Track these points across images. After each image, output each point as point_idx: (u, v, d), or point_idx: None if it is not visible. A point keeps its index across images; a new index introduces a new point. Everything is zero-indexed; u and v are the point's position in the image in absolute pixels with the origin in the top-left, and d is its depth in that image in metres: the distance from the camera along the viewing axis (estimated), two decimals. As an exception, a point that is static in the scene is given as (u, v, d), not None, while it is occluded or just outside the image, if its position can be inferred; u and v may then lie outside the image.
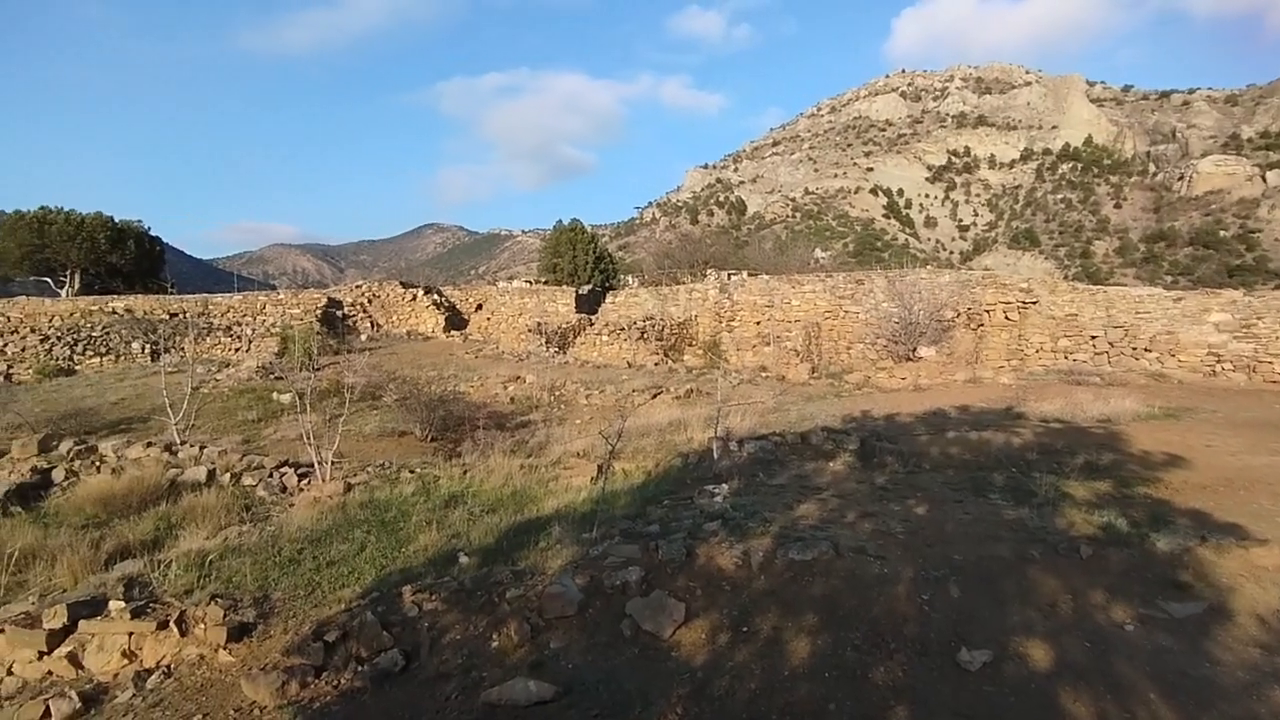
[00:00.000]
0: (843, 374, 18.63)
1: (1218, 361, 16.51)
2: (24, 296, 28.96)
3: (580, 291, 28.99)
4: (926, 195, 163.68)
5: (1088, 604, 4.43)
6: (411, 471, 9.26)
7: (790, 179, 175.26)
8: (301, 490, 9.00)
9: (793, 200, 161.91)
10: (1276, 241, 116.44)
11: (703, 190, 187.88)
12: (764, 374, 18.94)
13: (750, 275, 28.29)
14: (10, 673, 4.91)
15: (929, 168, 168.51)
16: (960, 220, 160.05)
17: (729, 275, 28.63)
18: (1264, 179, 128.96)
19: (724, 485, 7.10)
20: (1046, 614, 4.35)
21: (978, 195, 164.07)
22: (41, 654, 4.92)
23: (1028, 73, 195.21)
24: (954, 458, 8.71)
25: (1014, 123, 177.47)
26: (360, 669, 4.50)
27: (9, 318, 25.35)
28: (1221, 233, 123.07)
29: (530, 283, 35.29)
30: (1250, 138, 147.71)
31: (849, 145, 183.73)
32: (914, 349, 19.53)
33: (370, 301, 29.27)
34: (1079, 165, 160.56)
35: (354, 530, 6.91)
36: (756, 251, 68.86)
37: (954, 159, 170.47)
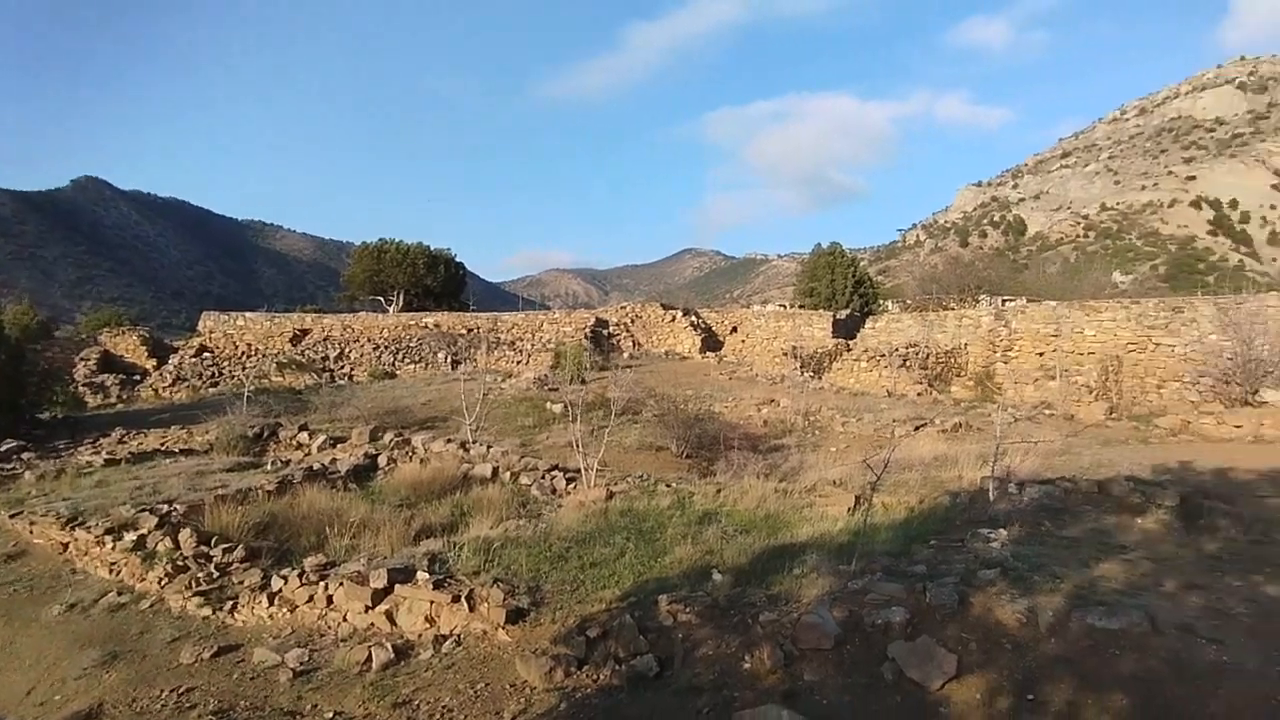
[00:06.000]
0: (1151, 417, 15.81)
1: None
2: (364, 312, 35.34)
3: (837, 316, 28.10)
4: (1272, 206, 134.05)
5: None
6: (668, 485, 9.57)
7: (1083, 194, 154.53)
8: (568, 493, 9.74)
9: (1085, 218, 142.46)
10: None
11: (974, 210, 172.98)
12: (1047, 411, 16.75)
13: (1030, 301, 25.37)
14: (345, 619, 5.91)
15: (1277, 173, 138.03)
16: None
17: (1004, 301, 25.96)
18: None
19: (1001, 530, 6.35)
20: None
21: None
22: (367, 608, 5.85)
23: None
24: (1321, 530, 6.92)
25: None
26: (618, 668, 4.71)
27: (353, 329, 31.07)
28: None
29: (785, 306, 35.10)
30: None
31: (1162, 151, 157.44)
32: (1254, 392, 15.98)
33: (633, 322, 31.11)
34: None
35: (614, 536, 7.30)
36: (1038, 275, 61.76)
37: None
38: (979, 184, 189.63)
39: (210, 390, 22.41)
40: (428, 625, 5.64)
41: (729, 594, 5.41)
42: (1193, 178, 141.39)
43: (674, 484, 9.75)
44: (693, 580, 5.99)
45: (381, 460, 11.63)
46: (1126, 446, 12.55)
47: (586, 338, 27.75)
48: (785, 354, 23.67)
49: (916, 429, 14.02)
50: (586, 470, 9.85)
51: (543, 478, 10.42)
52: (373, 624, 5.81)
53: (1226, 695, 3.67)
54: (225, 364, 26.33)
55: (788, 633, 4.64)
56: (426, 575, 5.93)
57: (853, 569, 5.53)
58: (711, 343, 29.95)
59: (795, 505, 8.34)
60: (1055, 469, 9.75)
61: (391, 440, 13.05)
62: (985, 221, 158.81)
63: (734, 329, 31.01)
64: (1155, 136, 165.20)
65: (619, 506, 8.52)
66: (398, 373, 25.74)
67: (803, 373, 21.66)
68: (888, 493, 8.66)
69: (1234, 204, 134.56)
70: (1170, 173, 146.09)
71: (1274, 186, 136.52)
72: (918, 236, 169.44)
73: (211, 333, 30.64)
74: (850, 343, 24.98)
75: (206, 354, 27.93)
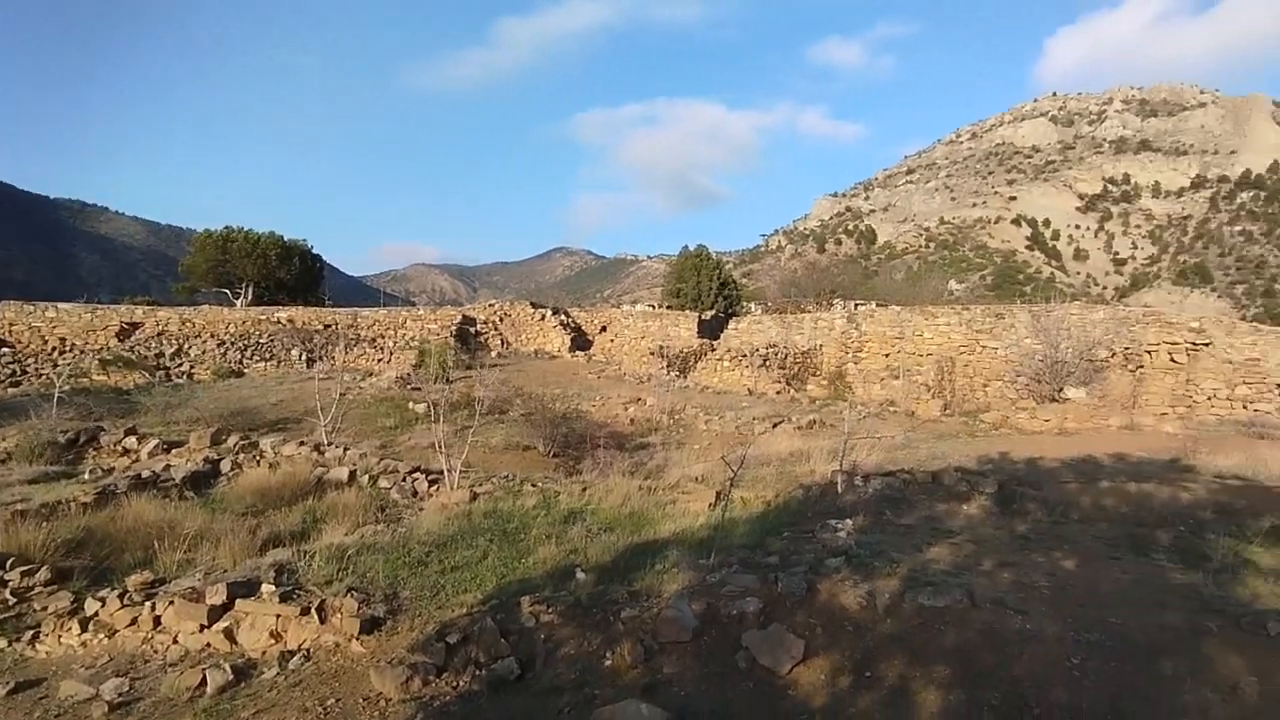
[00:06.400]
0: (978, 413, 17.51)
1: None
2: (206, 305, 32.49)
3: (703, 317, 29.01)
4: (1077, 226, 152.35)
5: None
6: (533, 485, 9.50)
7: (924, 208, 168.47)
8: (431, 495, 9.44)
9: (926, 230, 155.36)
10: None
11: (831, 218, 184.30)
12: (892, 408, 18.12)
13: (879, 306, 27.31)
14: (176, 641, 5.40)
15: (1081, 196, 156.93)
16: (1116, 253, 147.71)
17: (856, 305, 27.77)
18: None
19: (848, 521, 6.80)
20: (1226, 696, 3.82)
21: (1138, 226, 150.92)
22: (203, 627, 5.38)
23: (1202, 92, 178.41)
24: (1108, 510, 7.93)
25: (1184, 147, 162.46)
26: (478, 673, 4.62)
27: (194, 323, 28.50)
28: None
29: (654, 307, 35.75)
30: None
31: (990, 173, 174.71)
32: (1060, 390, 18.06)
33: (501, 320, 30.60)
34: (1262, 194, 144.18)
35: (478, 538, 7.15)
36: (886, 282, 66.69)
37: (1110, 187, 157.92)
38: (835, 194, 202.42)
39: (10, 391, 19.78)
40: (273, 641, 5.27)
41: (592, 592, 5.44)
42: (1014, 198, 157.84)
43: (540, 484, 9.69)
44: (556, 580, 5.98)
45: (225, 466, 10.75)
46: (957, 440, 13.80)
47: (453, 336, 27.03)
48: (652, 353, 24.13)
49: (774, 426, 14.73)
50: (450, 471, 9.59)
51: (403, 480, 10.03)
52: (209, 644, 5.36)
53: (1028, 659, 4.12)
54: (30, 361, 23.31)
55: (648, 628, 4.74)
56: (273, 587, 5.54)
57: (711, 563, 5.72)
58: (581, 342, 30.02)
59: (659, 502, 8.53)
60: (897, 462, 10.55)
61: (237, 444, 12.08)
62: (840, 230, 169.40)
63: (603, 328, 31.25)
64: (984, 159, 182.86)
65: (483, 508, 8.36)
66: (246, 371, 23.91)
67: (669, 372, 22.16)
68: (746, 488, 9.04)
69: (1047, 223, 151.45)
70: (996, 193, 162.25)
71: (1078, 209, 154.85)
72: (779, 242, 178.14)
73: (12, 325, 27.02)
74: (714, 343, 25.84)
75: (4, 349, 24.63)
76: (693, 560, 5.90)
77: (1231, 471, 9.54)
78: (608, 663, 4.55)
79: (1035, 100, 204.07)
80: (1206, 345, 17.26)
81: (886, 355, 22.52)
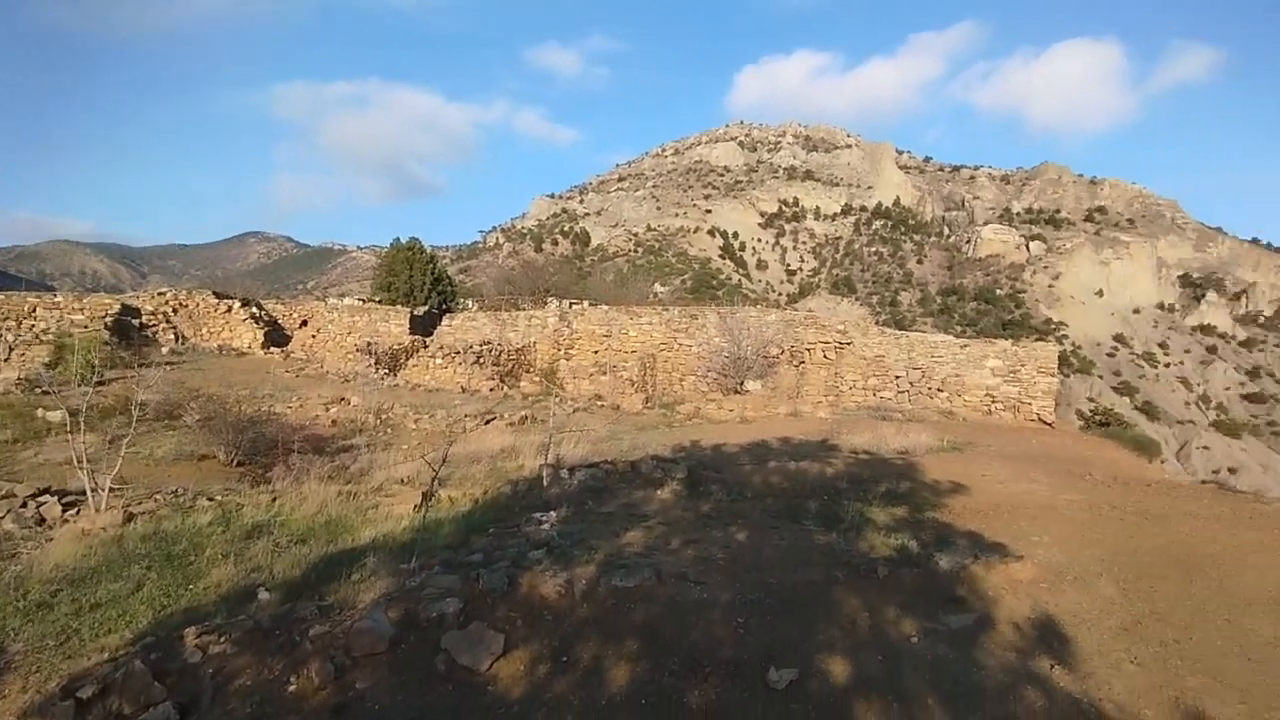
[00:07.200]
0: (675, 405, 19.21)
1: (993, 401, 18.89)
2: None
3: (416, 312, 27.82)
4: (759, 240, 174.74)
5: (882, 620, 4.81)
6: (210, 499, 8.32)
7: (634, 215, 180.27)
8: (66, 522, 7.78)
9: (635, 235, 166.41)
10: (1036, 302, 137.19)
11: (548, 219, 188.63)
12: (600, 403, 19.10)
13: (591, 305, 28.59)
14: None
15: (762, 214, 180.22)
16: (788, 265, 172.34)
17: (569, 304, 28.76)
18: (1028, 248, 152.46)
19: (552, 513, 7.02)
20: (847, 631, 4.67)
21: (804, 243, 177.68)
22: None
23: (849, 136, 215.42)
24: (774, 486, 9.21)
25: (836, 180, 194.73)
26: (122, 727, 3.92)
27: None
28: (997, 291, 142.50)
29: (363, 301, 33.45)
30: (1019, 212, 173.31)
31: (690, 187, 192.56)
32: (742, 382, 20.58)
33: (175, 311, 26.31)
34: (889, 223, 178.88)
35: (131, 566, 6.08)
36: (598, 282, 70.00)
37: (784, 208, 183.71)
38: (552, 195, 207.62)
39: None
40: None
41: (276, 613, 4.92)
42: (709, 211, 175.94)
43: (219, 496, 8.52)
44: (233, 604, 5.33)
45: None
46: (657, 430, 14.99)
47: (107, 329, 22.59)
48: (360, 350, 22.61)
49: (487, 423, 14.68)
50: (96, 491, 8.00)
51: (23, 506, 8.12)
52: None
53: (704, 624, 4.63)
54: None
55: (340, 643, 4.42)
56: None
57: (413, 566, 5.53)
58: (277, 338, 27.03)
59: (360, 507, 8.01)
60: (601, 454, 11.15)
61: None
62: (557, 230, 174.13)
63: (304, 323, 28.47)
64: (685, 174, 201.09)
65: (141, 530, 7.13)
66: None
67: (377, 369, 20.95)
68: (455, 486, 8.89)
69: (736, 235, 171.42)
70: (695, 205, 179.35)
71: (760, 224, 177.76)
72: (497, 239, 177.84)
73: None
74: (427, 340, 25.00)
75: None
76: (393, 565, 5.65)
77: (862, 448, 11.67)
78: (292, 688, 4.15)
79: (727, 126, 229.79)
80: (849, 344, 20.90)
81: (596, 352, 23.70)
